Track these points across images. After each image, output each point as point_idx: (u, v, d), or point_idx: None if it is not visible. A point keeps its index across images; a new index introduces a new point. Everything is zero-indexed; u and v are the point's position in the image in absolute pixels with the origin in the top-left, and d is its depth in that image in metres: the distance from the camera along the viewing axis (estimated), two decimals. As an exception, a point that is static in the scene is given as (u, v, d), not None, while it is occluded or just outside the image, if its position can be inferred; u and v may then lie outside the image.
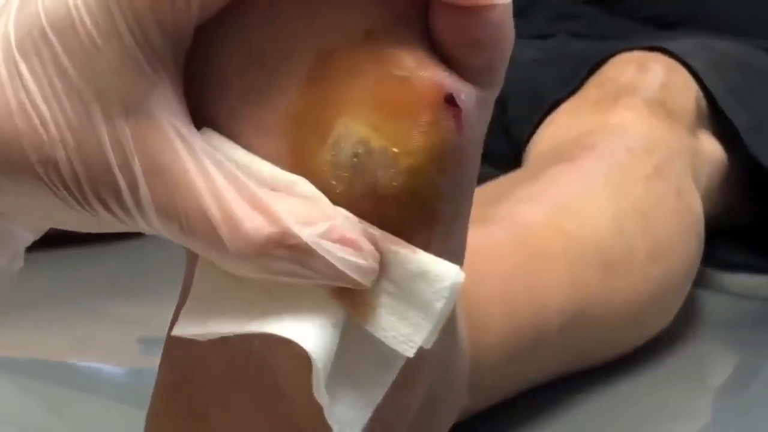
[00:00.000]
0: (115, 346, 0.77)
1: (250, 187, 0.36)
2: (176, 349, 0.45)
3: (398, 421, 0.45)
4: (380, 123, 0.36)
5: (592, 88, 0.87)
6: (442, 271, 0.36)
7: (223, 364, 0.43)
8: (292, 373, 0.41)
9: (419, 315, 0.36)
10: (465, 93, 0.37)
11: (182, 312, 0.38)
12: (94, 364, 0.74)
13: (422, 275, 0.36)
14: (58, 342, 0.79)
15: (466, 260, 0.58)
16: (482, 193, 0.72)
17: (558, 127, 0.85)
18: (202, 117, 0.37)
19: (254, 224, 0.35)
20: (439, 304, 0.36)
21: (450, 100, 0.37)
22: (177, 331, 0.38)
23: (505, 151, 0.99)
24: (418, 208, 0.37)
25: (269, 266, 0.36)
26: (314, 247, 0.35)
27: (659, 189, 0.72)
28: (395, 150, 0.36)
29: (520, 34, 1.23)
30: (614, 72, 0.86)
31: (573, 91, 0.88)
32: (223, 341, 0.38)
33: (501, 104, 1.06)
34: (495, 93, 0.38)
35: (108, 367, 0.73)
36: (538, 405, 0.63)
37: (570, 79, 0.91)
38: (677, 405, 0.67)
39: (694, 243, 0.73)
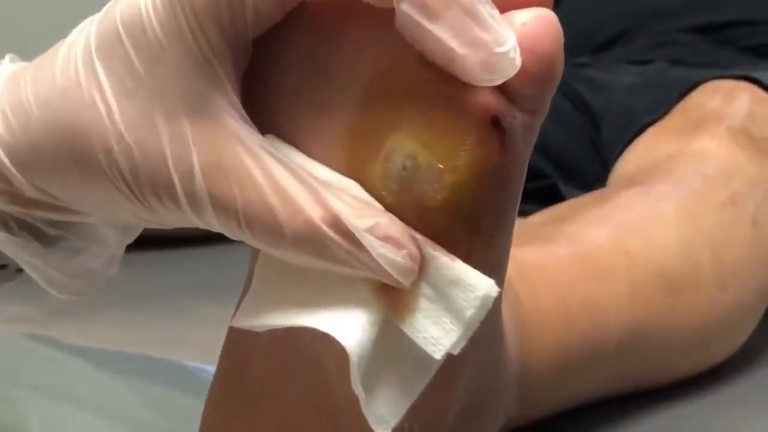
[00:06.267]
0: (201, 345, 0.80)
1: (307, 178, 0.38)
2: (235, 341, 0.47)
3: (437, 422, 0.46)
4: (429, 140, 0.38)
5: (677, 114, 0.87)
6: (476, 282, 0.38)
7: (277, 356, 0.46)
8: (337, 367, 0.43)
9: (451, 320, 0.38)
10: (510, 116, 0.38)
11: (240, 305, 0.40)
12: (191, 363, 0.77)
13: (457, 283, 0.38)
14: (146, 338, 0.82)
15: (524, 273, 0.60)
16: (554, 213, 0.73)
17: (640, 152, 0.86)
18: (266, 123, 0.40)
19: (311, 208, 0.38)
20: (470, 312, 0.38)
21: (495, 123, 0.38)
22: (234, 323, 0.40)
23: (597, 172, 1.00)
24: (460, 221, 0.39)
25: (322, 252, 0.38)
26: (359, 237, 0.37)
27: (733, 217, 0.72)
28: (440, 166, 0.38)
29: (618, 59, 1.22)
30: (701, 99, 0.86)
31: (661, 117, 0.89)
32: (277, 335, 0.40)
33: (595, 126, 1.07)
34: (541, 118, 0.40)
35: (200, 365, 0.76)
36: (593, 422, 0.63)
37: (660, 104, 0.91)
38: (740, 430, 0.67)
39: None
